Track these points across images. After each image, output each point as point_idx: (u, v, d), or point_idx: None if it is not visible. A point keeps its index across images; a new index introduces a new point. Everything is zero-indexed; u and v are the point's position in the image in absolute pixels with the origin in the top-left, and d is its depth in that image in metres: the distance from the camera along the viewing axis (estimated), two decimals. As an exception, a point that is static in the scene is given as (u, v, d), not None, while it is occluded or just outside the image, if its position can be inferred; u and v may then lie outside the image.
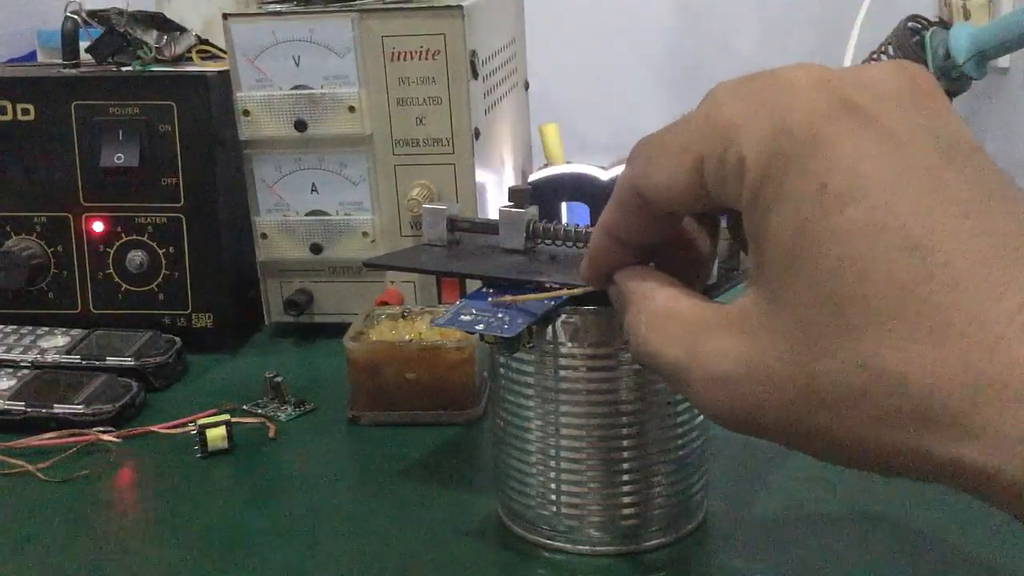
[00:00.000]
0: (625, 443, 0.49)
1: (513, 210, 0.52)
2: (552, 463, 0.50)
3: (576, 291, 0.44)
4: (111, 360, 0.72)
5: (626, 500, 0.50)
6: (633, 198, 0.36)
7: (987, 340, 0.27)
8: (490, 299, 0.46)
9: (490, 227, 0.53)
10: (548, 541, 0.51)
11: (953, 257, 0.27)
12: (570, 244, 0.51)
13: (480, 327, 0.44)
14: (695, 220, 0.40)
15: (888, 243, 0.28)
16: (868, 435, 0.29)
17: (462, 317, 0.45)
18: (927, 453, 0.28)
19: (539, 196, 0.52)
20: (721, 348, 0.33)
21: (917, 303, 0.27)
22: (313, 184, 0.78)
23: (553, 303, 0.45)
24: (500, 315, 0.44)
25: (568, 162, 0.98)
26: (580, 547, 0.51)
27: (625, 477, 0.50)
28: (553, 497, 0.51)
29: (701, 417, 0.51)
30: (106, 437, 0.63)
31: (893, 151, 0.29)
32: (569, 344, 0.48)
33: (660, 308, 0.36)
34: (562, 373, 0.48)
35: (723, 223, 0.46)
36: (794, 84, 0.31)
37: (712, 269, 0.43)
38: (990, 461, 0.27)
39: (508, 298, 0.45)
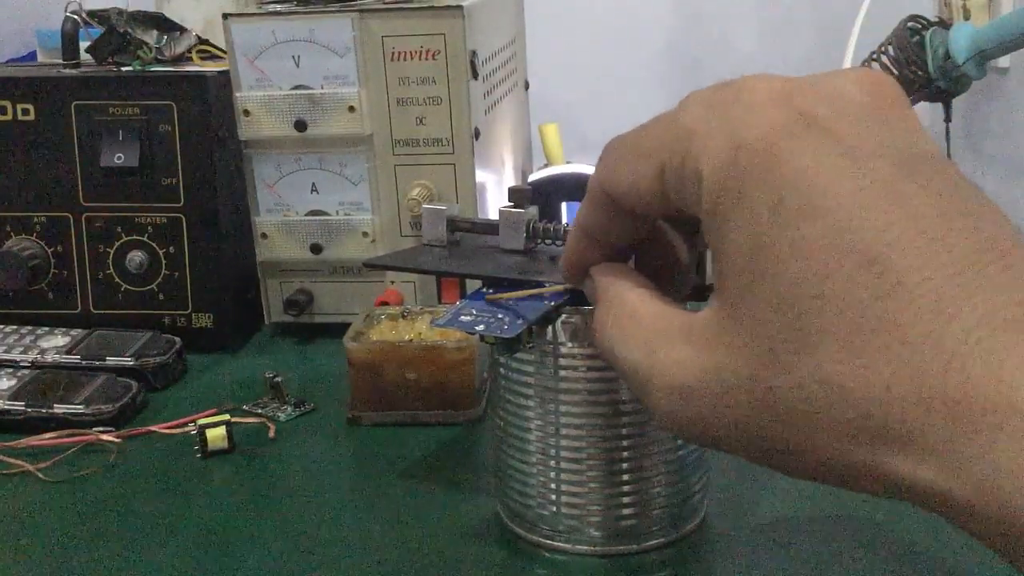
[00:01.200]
0: (625, 443, 0.49)
1: (513, 210, 0.52)
2: (552, 463, 0.50)
3: (557, 288, 0.45)
4: (111, 360, 0.72)
5: (626, 500, 0.50)
6: (603, 197, 0.37)
7: (941, 358, 0.26)
8: (486, 296, 0.46)
9: (490, 227, 0.53)
10: (548, 541, 0.51)
11: (910, 273, 0.27)
12: None
13: (480, 327, 0.44)
14: (672, 226, 0.40)
15: (844, 258, 0.28)
16: (825, 451, 0.29)
17: (462, 317, 0.45)
18: (883, 470, 0.28)
19: (539, 196, 0.52)
20: (681, 358, 0.32)
21: (873, 319, 0.27)
22: (313, 184, 0.78)
23: (553, 303, 0.45)
24: (500, 315, 0.44)
25: (568, 162, 0.98)
26: (580, 547, 0.51)
27: (625, 477, 0.50)
28: (553, 497, 0.51)
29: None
30: (106, 437, 0.63)
31: (851, 165, 0.29)
32: (569, 344, 0.48)
33: (628, 309, 0.36)
34: (562, 373, 0.48)
35: None
36: (753, 96, 0.31)
37: (691, 277, 0.43)
38: (942, 480, 0.26)
39: (505, 295, 0.45)
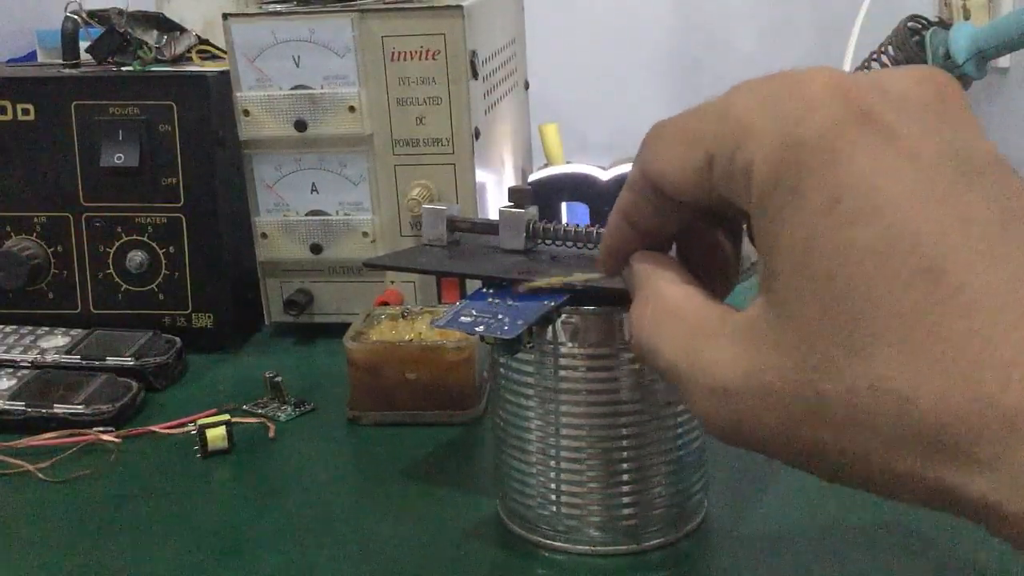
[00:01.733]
0: (625, 443, 0.49)
1: (513, 210, 0.52)
2: (552, 463, 0.50)
3: (593, 277, 0.44)
4: (111, 360, 0.72)
5: (626, 500, 0.50)
6: (644, 183, 0.36)
7: (998, 369, 0.26)
8: (523, 287, 0.45)
9: (490, 227, 0.53)
10: (548, 541, 0.51)
11: (969, 281, 0.27)
12: (570, 244, 0.51)
13: (480, 328, 0.44)
14: (715, 219, 0.39)
15: (901, 264, 0.27)
16: (873, 457, 0.28)
17: (462, 318, 0.45)
18: (933, 480, 0.27)
19: (539, 196, 0.52)
20: (724, 358, 0.32)
21: (929, 327, 0.27)
22: (313, 184, 0.78)
23: (553, 303, 0.45)
24: (500, 316, 0.44)
25: (568, 162, 0.98)
26: (580, 547, 0.51)
27: (625, 477, 0.50)
28: (553, 497, 0.51)
29: (701, 416, 0.51)
30: (106, 437, 0.63)
31: (911, 168, 0.28)
32: (569, 344, 0.48)
33: (669, 303, 0.35)
34: (562, 373, 0.48)
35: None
36: (811, 89, 0.30)
37: (735, 273, 0.43)
38: (994, 494, 0.26)
39: (538, 282, 0.44)
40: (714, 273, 0.39)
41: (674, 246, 0.40)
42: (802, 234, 0.29)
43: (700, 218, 0.38)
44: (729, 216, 0.38)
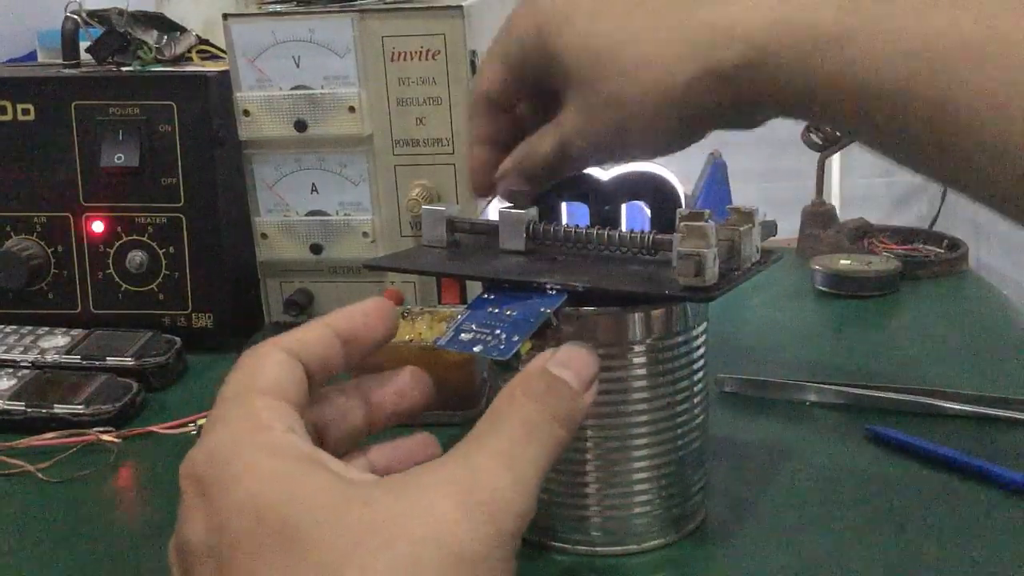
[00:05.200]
0: (625, 443, 0.49)
1: (513, 211, 0.52)
2: (556, 462, 0.50)
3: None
4: (111, 360, 0.72)
5: (626, 500, 0.50)
6: (477, 98, 0.51)
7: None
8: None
9: (490, 228, 0.53)
10: (548, 541, 0.51)
11: None
12: (571, 245, 0.51)
13: (478, 348, 0.44)
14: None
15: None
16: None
17: (462, 335, 0.45)
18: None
19: (539, 196, 0.52)
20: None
21: None
22: (313, 184, 0.78)
23: (550, 309, 0.44)
24: (498, 332, 0.44)
25: (568, 162, 0.97)
26: (580, 547, 0.51)
27: (626, 477, 0.50)
28: (553, 498, 0.50)
29: (701, 417, 0.51)
30: (106, 437, 0.63)
31: None
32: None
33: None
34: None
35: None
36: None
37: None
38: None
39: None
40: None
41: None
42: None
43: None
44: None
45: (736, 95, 0.42)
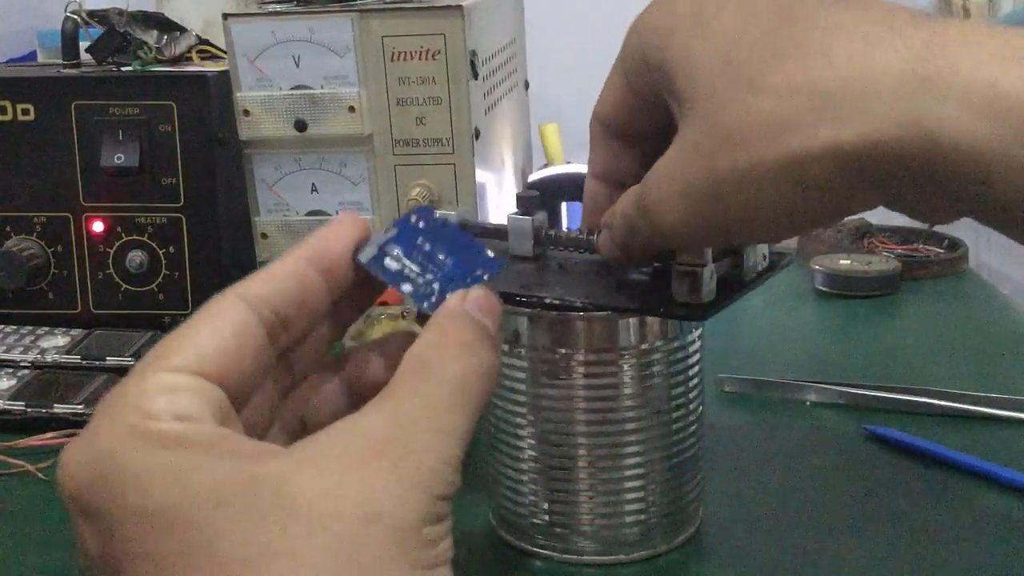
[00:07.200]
0: (619, 450, 0.49)
1: (522, 217, 0.51)
2: (545, 470, 0.50)
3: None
4: (111, 360, 0.72)
5: (620, 508, 0.50)
6: (595, 127, 0.46)
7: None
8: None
9: (499, 233, 0.52)
10: (540, 550, 0.51)
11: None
12: (582, 251, 0.50)
13: (407, 288, 0.38)
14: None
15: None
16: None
17: (387, 261, 0.39)
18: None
19: (545, 200, 0.51)
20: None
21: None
22: (313, 184, 0.78)
23: (487, 275, 0.39)
24: (429, 277, 0.38)
25: (568, 162, 0.98)
26: (571, 556, 0.50)
27: (619, 485, 0.49)
28: (545, 505, 0.50)
29: (696, 423, 0.51)
30: (106, 437, 0.63)
31: None
32: (560, 350, 0.48)
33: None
34: (553, 380, 0.48)
35: None
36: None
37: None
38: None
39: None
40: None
41: None
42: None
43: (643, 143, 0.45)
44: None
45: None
